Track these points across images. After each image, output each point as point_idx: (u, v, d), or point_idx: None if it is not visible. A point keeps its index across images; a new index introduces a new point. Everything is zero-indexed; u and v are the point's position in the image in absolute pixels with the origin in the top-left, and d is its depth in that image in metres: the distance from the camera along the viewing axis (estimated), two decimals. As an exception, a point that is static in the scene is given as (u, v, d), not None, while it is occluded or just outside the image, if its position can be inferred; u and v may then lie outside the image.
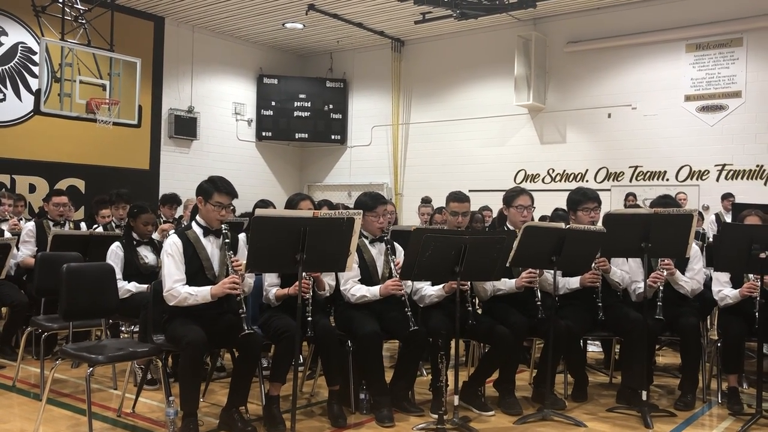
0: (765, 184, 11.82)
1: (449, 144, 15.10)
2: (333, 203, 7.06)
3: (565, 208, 6.12)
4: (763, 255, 4.16)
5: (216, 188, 4.09)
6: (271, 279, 4.42)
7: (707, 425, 4.34)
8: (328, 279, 4.43)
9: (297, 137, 16.36)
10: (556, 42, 13.92)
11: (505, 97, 14.13)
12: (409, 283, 4.53)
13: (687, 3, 12.44)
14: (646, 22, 12.82)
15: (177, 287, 3.95)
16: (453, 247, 3.96)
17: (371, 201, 4.57)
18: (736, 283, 4.75)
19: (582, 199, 4.84)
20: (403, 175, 15.93)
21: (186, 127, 14.43)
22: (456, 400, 4.14)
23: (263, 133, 16.12)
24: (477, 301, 4.94)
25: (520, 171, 14.31)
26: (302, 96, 16.22)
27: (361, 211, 3.88)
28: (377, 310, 4.44)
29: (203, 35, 14.88)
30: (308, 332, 4.12)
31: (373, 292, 4.42)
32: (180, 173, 13.88)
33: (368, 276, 4.53)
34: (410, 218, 13.81)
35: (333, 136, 16.54)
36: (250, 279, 4.20)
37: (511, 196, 4.89)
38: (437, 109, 15.38)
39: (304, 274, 3.96)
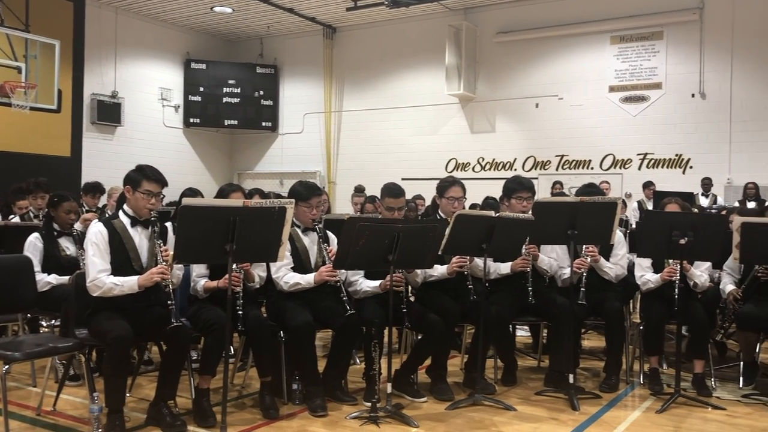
0: (684, 172, 12.36)
1: (382, 132, 15.12)
2: (264, 192, 6.94)
3: (495, 196, 6.23)
4: (682, 241, 4.34)
5: (145, 176, 3.94)
6: (199, 270, 4.31)
7: (630, 405, 4.50)
8: (258, 270, 4.36)
9: (226, 124, 16.04)
10: (486, 32, 14.10)
11: (436, 86, 14.24)
12: (343, 272, 4.50)
13: (612, -4, 12.79)
14: (573, 14, 13.14)
15: (101, 277, 3.79)
16: (386, 236, 3.95)
17: (305, 191, 4.51)
18: (657, 268, 4.94)
19: (517, 187, 4.94)
20: (336, 164, 15.87)
21: (110, 112, 13.90)
22: (389, 387, 4.16)
23: (191, 120, 15.73)
24: (410, 289, 4.96)
25: (451, 160, 14.47)
26: (232, 82, 15.89)
27: (293, 200, 3.83)
28: (309, 300, 4.40)
29: (127, 18, 14.35)
30: (239, 326, 4.05)
31: (307, 279, 4.37)
32: (103, 161, 13.38)
33: (301, 265, 4.48)
34: (343, 207, 13.78)
35: (264, 123, 16.31)
36: (179, 271, 4.08)
37: (443, 187, 4.93)
38: (370, 97, 15.36)
39: (234, 266, 3.88)
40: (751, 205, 10.19)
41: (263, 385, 4.23)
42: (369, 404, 4.13)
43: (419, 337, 4.77)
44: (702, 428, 4.03)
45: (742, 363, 5.02)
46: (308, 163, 15.95)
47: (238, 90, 15.94)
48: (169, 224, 4.41)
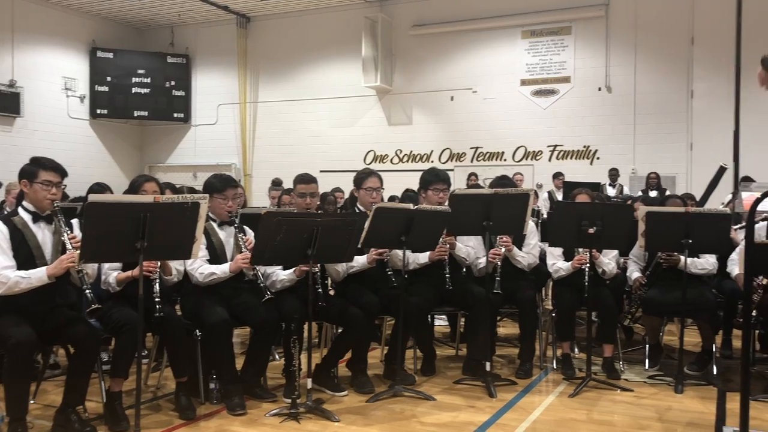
0: (591, 163, 12.86)
1: (299, 124, 14.97)
2: (176, 186, 6.71)
3: (413, 188, 6.27)
4: (591, 230, 4.50)
5: (41, 166, 3.73)
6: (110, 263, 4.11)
7: (544, 391, 4.65)
8: (176, 263, 4.21)
9: (136, 115, 15.47)
10: (401, 24, 14.18)
11: (353, 78, 14.22)
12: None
13: (523, -9, 13.11)
14: (486, 8, 13.40)
15: (6, 273, 3.56)
16: (305, 230, 3.91)
17: (220, 183, 4.40)
18: (568, 256, 5.11)
19: (433, 179, 4.99)
20: (252, 156, 15.61)
21: (7, 102, 13.14)
22: (309, 383, 4.12)
23: (98, 111, 15.08)
24: (329, 283, 4.93)
25: (369, 152, 14.50)
26: (141, 71, 15.33)
27: (207, 195, 3.72)
28: (226, 296, 4.30)
29: (25, 2, 13.56)
30: (158, 313, 3.84)
31: (222, 269, 4.27)
32: (1, 154, 12.62)
33: (217, 260, 4.36)
34: (260, 200, 13.57)
35: (176, 114, 15.83)
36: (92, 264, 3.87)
37: (360, 178, 4.92)
38: (286, 89, 15.17)
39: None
40: (653, 194, 10.72)
41: (179, 385, 4.10)
42: (289, 401, 4.08)
43: (339, 331, 4.75)
44: (612, 410, 4.21)
45: (647, 346, 5.27)
46: (223, 155, 15.61)
47: (148, 80, 15.40)
48: (75, 221, 4.20)
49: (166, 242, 3.51)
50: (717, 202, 8.37)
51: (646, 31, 12.45)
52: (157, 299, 3.87)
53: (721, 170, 7.14)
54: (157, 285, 3.92)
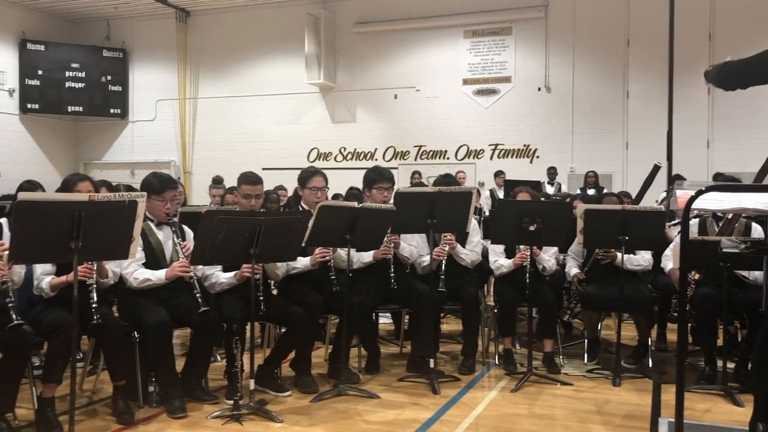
0: (531, 162, 13.11)
1: (241, 121, 14.77)
2: (112, 184, 6.51)
3: (358, 186, 6.25)
4: (532, 228, 4.57)
5: None
6: (43, 267, 3.95)
7: (487, 386, 4.70)
8: (111, 265, 4.08)
9: (70, 110, 14.96)
10: (345, 22, 14.14)
11: (296, 74, 14.11)
12: (200, 267, 4.32)
13: (465, -9, 13.25)
14: (428, 7, 13.48)
15: None
16: (247, 229, 3.84)
17: (159, 184, 4.26)
18: (509, 253, 5.19)
19: (377, 178, 4.98)
20: (192, 153, 15.31)
21: (-72, 95, 12.49)
22: (252, 384, 4.06)
23: (29, 106, 14.51)
24: (272, 283, 4.87)
25: (313, 149, 14.42)
26: (75, 65, 14.82)
27: (145, 193, 3.61)
28: (165, 297, 4.19)
29: (-51, -10, 12.95)
30: (94, 319, 3.71)
31: (158, 275, 4.15)
32: (-75, 150, 12.01)
33: (155, 261, 4.25)
34: (200, 197, 13.32)
35: (112, 110, 15.39)
36: (20, 269, 3.71)
37: (305, 177, 4.87)
38: (228, 85, 14.93)
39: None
40: (591, 192, 11.00)
41: (116, 389, 3.98)
42: (231, 402, 4.01)
43: (282, 331, 4.69)
44: (552, 404, 4.29)
45: (586, 340, 5.41)
46: (162, 152, 15.24)
47: (83, 74, 14.91)
48: (4, 220, 4.02)
49: (101, 242, 3.39)
50: (651, 200, 8.65)
51: (584, 33, 12.76)
52: (93, 305, 3.73)
53: (656, 169, 7.37)
54: (94, 291, 3.78)
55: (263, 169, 11.11)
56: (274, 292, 4.88)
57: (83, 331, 3.88)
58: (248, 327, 4.18)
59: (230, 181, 8.58)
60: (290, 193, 8.56)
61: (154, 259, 4.25)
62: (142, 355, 4.12)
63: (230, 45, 14.86)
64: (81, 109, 15.02)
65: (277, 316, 4.48)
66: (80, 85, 14.89)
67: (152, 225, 4.30)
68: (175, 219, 4.43)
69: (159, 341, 4.01)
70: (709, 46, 11.92)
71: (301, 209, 4.83)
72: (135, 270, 4.15)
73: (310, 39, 13.71)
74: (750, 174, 8.51)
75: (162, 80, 15.30)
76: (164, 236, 4.33)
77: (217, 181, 9.43)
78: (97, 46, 15.26)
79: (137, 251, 3.94)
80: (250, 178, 4.64)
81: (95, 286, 3.80)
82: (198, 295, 4.08)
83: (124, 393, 3.99)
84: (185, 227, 4.47)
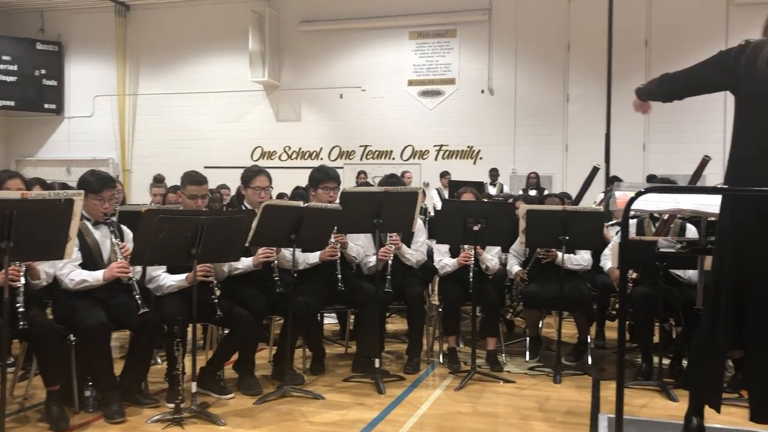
0: (475, 163, 13.27)
1: (183, 118, 14.48)
2: (47, 182, 6.27)
3: (302, 185, 6.20)
4: (476, 227, 4.63)
5: None
6: (-31, 270, 3.78)
7: (431, 385, 4.73)
8: (45, 266, 3.92)
9: (1, 105, 14.35)
10: (290, 20, 14.04)
11: (240, 72, 13.93)
12: (138, 268, 4.20)
13: (410, -8, 13.33)
14: (374, 8, 13.50)
15: None
16: (189, 229, 3.76)
17: (97, 183, 4.12)
18: (454, 253, 5.24)
19: (323, 177, 4.95)
20: (132, 150, 14.93)
21: None
22: (193, 386, 3.98)
23: (-43, 99, 13.86)
24: (215, 283, 4.78)
25: (257, 148, 14.26)
26: (6, 58, 14.24)
27: (82, 191, 3.49)
28: (103, 298, 4.06)
29: None
30: (20, 325, 3.57)
31: (95, 276, 4.02)
32: None
33: (92, 262, 4.11)
34: (140, 196, 13.00)
35: (47, 105, 14.85)
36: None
37: (248, 177, 4.80)
38: (169, 81, 14.62)
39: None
40: (532, 193, 11.21)
41: (50, 394, 3.83)
42: (172, 405, 3.92)
43: (226, 332, 4.61)
44: (495, 401, 4.35)
45: (528, 338, 5.50)
46: (99, 149, 14.81)
47: (15, 68, 14.34)
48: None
49: (35, 242, 3.26)
50: (590, 201, 8.87)
51: (526, 37, 12.99)
52: (20, 309, 3.56)
53: (594, 170, 7.57)
54: (21, 294, 3.60)
55: (205, 167, 10.91)
56: (218, 292, 4.78)
57: (14, 334, 3.72)
58: (190, 328, 4.10)
59: (171, 180, 8.40)
60: (233, 192, 8.43)
61: (91, 259, 4.11)
62: (78, 359, 3.98)
63: (172, 41, 14.55)
64: (13, 103, 14.45)
65: (220, 317, 4.39)
66: (12, 78, 14.32)
67: (89, 224, 4.16)
68: (114, 218, 4.30)
69: (96, 344, 3.88)
70: (645, 52, 12.32)
71: (244, 209, 4.76)
72: (71, 271, 4.00)
73: (254, 36, 13.54)
74: (682, 176, 8.85)
75: (100, 75, 14.86)
76: (101, 236, 4.20)
77: (158, 180, 9.21)
78: (31, 38, 14.70)
79: (73, 251, 3.80)
80: (195, 178, 4.53)
81: (22, 288, 3.64)
82: (138, 296, 3.97)
83: (58, 398, 3.84)
84: (124, 227, 4.34)
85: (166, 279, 4.31)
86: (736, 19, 11.68)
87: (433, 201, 11.60)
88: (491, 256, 5.24)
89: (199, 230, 3.77)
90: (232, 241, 4.01)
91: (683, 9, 12.11)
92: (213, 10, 14.28)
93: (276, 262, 4.59)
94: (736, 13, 11.73)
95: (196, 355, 4.04)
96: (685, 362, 4.71)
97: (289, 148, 14.13)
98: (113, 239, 4.14)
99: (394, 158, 13.64)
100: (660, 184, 5.16)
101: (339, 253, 4.84)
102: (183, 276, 4.25)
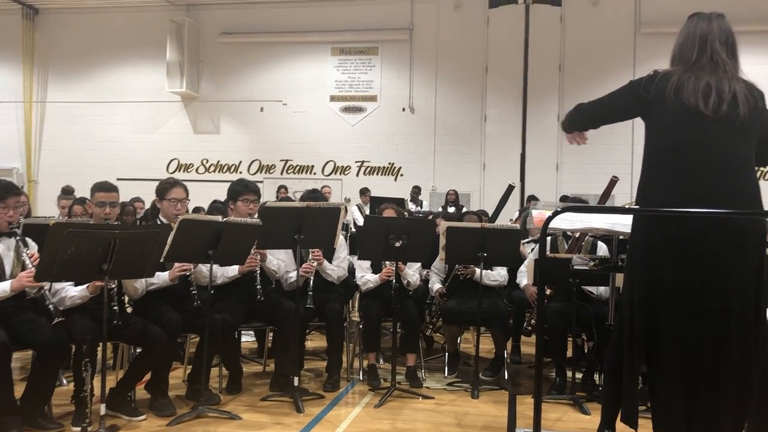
0: (396, 179, 13.40)
1: (95, 128, 13.95)
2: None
3: (221, 199, 6.07)
4: (397, 243, 4.65)
5: None
6: None
7: (351, 402, 4.70)
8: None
9: None
10: (210, 31, 13.82)
11: (156, 82, 13.57)
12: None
13: (333, 9, 13.41)
14: (297, 22, 13.48)
15: None
16: (100, 243, 3.59)
17: (1, 190, 3.91)
18: (375, 269, 5.24)
19: (243, 190, 4.86)
20: (38, 160, 14.23)
21: None
22: (102, 408, 3.79)
23: None
24: (126, 300, 4.59)
25: (173, 160, 13.90)
26: None
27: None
28: (5, 316, 3.82)
29: None
30: None
31: (2, 287, 3.79)
32: None
33: (-7, 276, 3.87)
34: (47, 208, 12.37)
35: (-55, 111, 13.96)
36: None
37: (164, 189, 4.65)
38: (81, 89, 14.06)
39: None
40: (451, 210, 11.40)
41: (-61, 422, 3.56)
42: (78, 429, 3.72)
43: (138, 351, 4.43)
44: (414, 418, 4.36)
45: (447, 354, 5.56)
46: (3, 158, 14.04)
47: None
48: None
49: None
50: (506, 218, 9.11)
51: (446, 57, 13.27)
52: None
53: (510, 189, 7.79)
54: None
55: (118, 179, 10.52)
56: (129, 309, 4.60)
57: None
58: (99, 347, 3.91)
59: (81, 192, 8.04)
60: (147, 205, 8.16)
61: (-8, 273, 3.87)
62: (-26, 382, 3.72)
63: (85, 48, 14.02)
64: None
65: (132, 335, 4.21)
66: None
67: (-9, 237, 3.92)
68: (18, 231, 4.06)
69: (-6, 365, 3.64)
70: (559, 76, 12.81)
71: (159, 222, 4.61)
72: (-29, 285, 3.75)
73: (172, 46, 13.23)
74: (593, 195, 9.23)
75: (4, 81, 14.13)
76: (4, 248, 3.96)
77: (67, 192, 8.81)
78: (-71, 39, 13.84)
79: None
80: (104, 186, 4.38)
81: None
82: (51, 306, 3.77)
83: (-50, 425, 3.58)
84: (29, 240, 4.12)
85: (68, 291, 4.11)
86: (643, 46, 12.34)
87: (353, 217, 11.60)
88: (412, 272, 5.27)
89: (111, 245, 3.61)
90: (147, 256, 3.86)
91: (595, 36, 12.69)
92: (129, 18, 13.87)
93: (193, 276, 4.45)
94: (643, 41, 12.39)
95: (106, 376, 3.85)
96: (597, 376, 4.87)
97: (207, 160, 13.84)
98: (21, 250, 3.91)
99: (315, 173, 13.59)
100: (575, 204, 5.35)
101: (259, 266, 4.76)
102: (84, 287, 4.06)
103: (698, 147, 2.75)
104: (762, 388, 2.73)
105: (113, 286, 4.00)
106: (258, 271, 4.76)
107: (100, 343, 3.89)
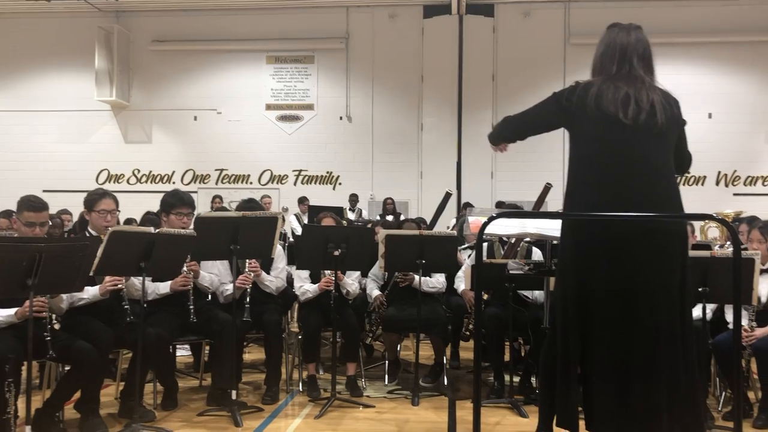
0: (334, 188, 13.37)
1: (19, 138, 13.41)
2: None
3: (154, 211, 5.92)
4: (336, 252, 4.63)
5: None
6: None
7: (291, 414, 4.63)
8: None
9: None
10: (140, 38, 13.51)
11: (85, 90, 13.16)
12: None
13: (268, 17, 13.32)
14: (230, 30, 13.32)
15: None
16: (25, 257, 3.43)
17: None
18: (314, 278, 5.20)
19: (176, 202, 4.74)
20: (-43, 172, 13.54)
21: None
22: (28, 430, 3.61)
23: None
24: (54, 316, 4.41)
25: (102, 171, 13.49)
26: None
27: None
28: None
29: None
30: None
31: None
32: None
33: None
34: (-33, 222, 11.77)
35: None
36: None
37: (92, 200, 4.49)
38: (3, 98, 13.50)
39: None
40: (390, 218, 11.44)
41: None
42: (1, 454, 3.54)
43: (67, 369, 4.25)
44: (355, 427, 4.33)
45: (387, 362, 5.55)
46: None
47: None
48: None
49: None
50: (443, 225, 9.19)
51: (382, 67, 13.35)
52: None
53: (447, 196, 7.86)
54: None
55: (44, 191, 10.12)
56: (56, 326, 4.41)
57: None
58: (24, 367, 3.73)
59: (5, 204, 7.69)
60: (75, 217, 7.87)
61: None
62: None
63: (7, 54, 13.48)
64: None
65: (59, 353, 4.04)
66: None
67: None
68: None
69: None
70: (492, 86, 13.06)
71: (88, 235, 4.45)
72: None
73: (101, 54, 12.86)
74: (527, 202, 9.42)
75: None
76: None
77: (-11, 204, 8.40)
78: None
79: None
80: (34, 204, 4.16)
81: None
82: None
83: None
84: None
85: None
86: (572, 56, 12.73)
87: (291, 226, 11.51)
88: (351, 281, 5.25)
89: (36, 259, 3.46)
90: (75, 269, 3.71)
91: (526, 46, 13.01)
92: (55, 24, 13.41)
93: (125, 290, 4.31)
94: (572, 51, 12.78)
95: (31, 396, 3.68)
96: (534, 379, 4.95)
97: (139, 171, 13.49)
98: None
99: (251, 183, 13.42)
100: (509, 210, 5.44)
101: (192, 283, 4.65)
102: (12, 311, 3.86)
103: (620, 154, 2.85)
104: (689, 384, 2.82)
105: (47, 313, 3.82)
106: (191, 289, 4.64)
107: (24, 362, 3.72)
